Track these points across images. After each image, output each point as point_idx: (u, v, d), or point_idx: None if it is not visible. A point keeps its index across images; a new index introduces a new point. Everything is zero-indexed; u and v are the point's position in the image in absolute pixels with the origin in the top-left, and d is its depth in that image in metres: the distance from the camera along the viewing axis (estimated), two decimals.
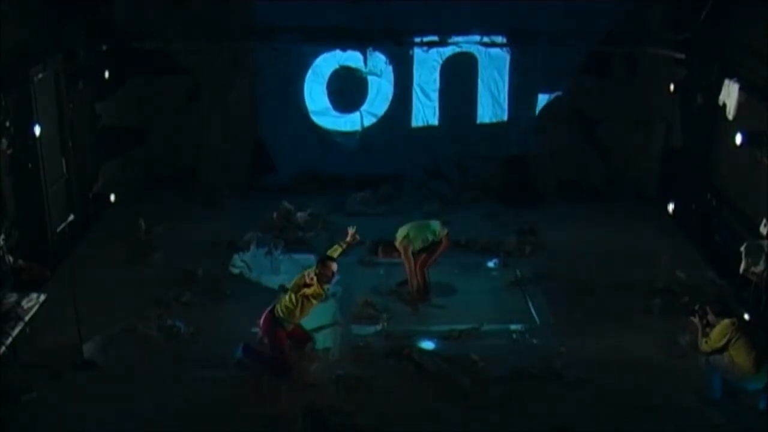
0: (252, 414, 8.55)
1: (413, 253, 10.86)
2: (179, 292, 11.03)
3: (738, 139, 10.64)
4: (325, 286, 9.55)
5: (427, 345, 9.93)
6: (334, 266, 9.55)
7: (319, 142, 15.17)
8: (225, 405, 8.67)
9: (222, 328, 10.15)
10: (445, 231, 11.08)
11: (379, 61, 14.58)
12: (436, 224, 11.09)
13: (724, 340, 8.48)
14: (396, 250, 10.88)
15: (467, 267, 12.04)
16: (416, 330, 10.31)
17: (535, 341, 10.12)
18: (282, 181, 15.12)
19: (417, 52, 14.74)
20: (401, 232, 10.87)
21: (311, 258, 11.24)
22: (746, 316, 9.44)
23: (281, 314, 9.27)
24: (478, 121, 15.09)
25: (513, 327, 10.41)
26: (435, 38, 14.67)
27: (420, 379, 9.22)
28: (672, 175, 14.09)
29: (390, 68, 14.81)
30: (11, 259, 10.09)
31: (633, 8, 14.19)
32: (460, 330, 10.15)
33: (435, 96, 15.00)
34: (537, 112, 15.04)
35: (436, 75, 14.88)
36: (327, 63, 14.79)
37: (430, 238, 10.90)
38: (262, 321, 9.42)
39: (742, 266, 10.14)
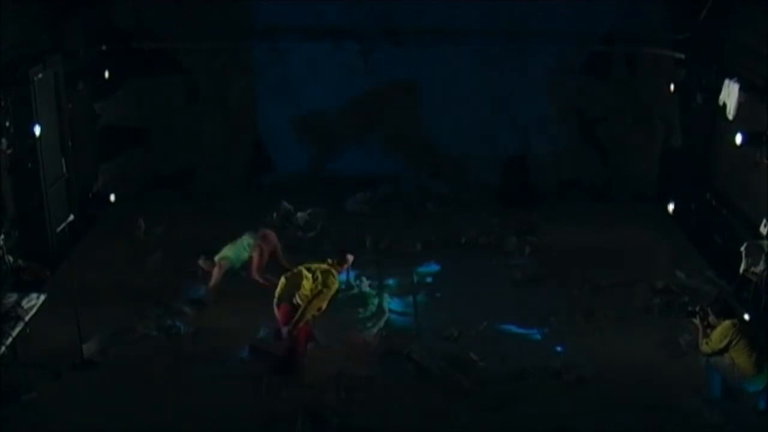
0: (252, 414, 8.55)
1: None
2: (179, 292, 11.03)
3: (738, 139, 10.64)
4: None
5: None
6: (350, 257, 9.88)
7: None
8: (225, 405, 8.67)
9: (222, 328, 10.15)
10: (259, 237, 11.10)
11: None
12: (248, 239, 11.09)
13: (725, 342, 8.47)
14: (213, 264, 10.97)
15: (468, 267, 12.04)
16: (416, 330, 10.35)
17: (535, 341, 10.13)
18: (282, 181, 15.13)
19: (417, 51, 14.74)
20: (221, 253, 10.99)
21: None
22: (746, 317, 9.43)
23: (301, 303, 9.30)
24: (478, 121, 15.08)
25: (514, 327, 10.41)
26: (435, 38, 14.66)
27: (420, 379, 9.23)
28: (672, 175, 14.10)
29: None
30: (11, 259, 10.09)
31: (633, 8, 14.19)
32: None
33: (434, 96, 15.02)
34: (537, 112, 15.03)
35: (436, 75, 14.89)
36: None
37: (246, 254, 11.01)
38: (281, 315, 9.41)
39: (742, 266, 10.14)
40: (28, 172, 11.12)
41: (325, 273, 9.43)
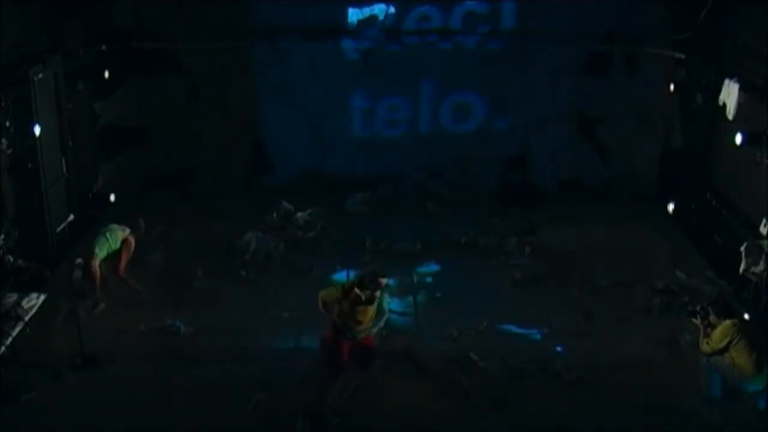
0: (252, 414, 8.54)
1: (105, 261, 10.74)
2: (179, 291, 11.02)
3: (738, 139, 10.64)
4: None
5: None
6: (384, 281, 9.41)
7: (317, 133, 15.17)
8: (225, 405, 8.67)
9: (222, 329, 10.15)
10: (127, 232, 10.90)
11: None
12: (115, 230, 10.86)
13: (725, 342, 8.48)
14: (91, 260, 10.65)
15: (468, 267, 12.03)
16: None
17: (535, 341, 10.13)
18: (282, 181, 15.13)
19: (417, 51, 14.72)
20: (90, 248, 10.68)
21: None
22: (746, 316, 9.43)
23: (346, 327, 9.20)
24: (478, 121, 15.07)
25: (514, 327, 10.42)
26: (435, 37, 14.64)
27: (420, 379, 9.23)
28: (672, 175, 14.10)
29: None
30: (11, 259, 10.09)
31: (633, 8, 14.18)
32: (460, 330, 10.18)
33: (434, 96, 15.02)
34: (537, 112, 15.03)
35: (436, 75, 14.88)
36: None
37: (113, 246, 10.72)
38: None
39: (742, 266, 10.15)
40: (28, 172, 11.12)
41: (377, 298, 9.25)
